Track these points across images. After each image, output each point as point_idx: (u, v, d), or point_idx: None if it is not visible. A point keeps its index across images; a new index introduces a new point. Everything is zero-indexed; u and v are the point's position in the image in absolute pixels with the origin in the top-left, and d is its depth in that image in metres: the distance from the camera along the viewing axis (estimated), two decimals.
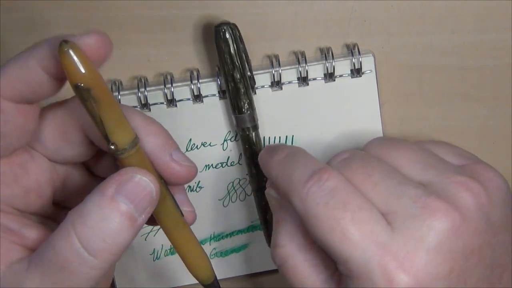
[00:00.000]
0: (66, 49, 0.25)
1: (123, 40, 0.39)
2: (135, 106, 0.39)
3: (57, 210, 0.32)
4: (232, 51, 0.36)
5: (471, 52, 0.40)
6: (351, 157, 0.32)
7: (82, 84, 0.25)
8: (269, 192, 0.33)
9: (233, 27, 0.36)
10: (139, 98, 0.39)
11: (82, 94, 0.26)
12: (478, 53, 0.40)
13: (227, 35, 0.36)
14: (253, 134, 0.38)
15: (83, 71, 0.25)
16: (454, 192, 0.30)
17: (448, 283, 0.29)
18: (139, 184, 0.28)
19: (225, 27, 0.36)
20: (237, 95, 0.37)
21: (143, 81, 0.39)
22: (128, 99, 0.39)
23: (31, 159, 0.30)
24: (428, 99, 0.40)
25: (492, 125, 0.41)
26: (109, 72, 0.40)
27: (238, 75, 0.37)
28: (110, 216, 0.27)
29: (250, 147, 0.38)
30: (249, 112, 0.38)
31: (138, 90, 0.38)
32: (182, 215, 0.31)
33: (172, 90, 0.39)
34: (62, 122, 0.30)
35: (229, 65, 0.37)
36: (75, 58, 0.25)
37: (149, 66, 0.40)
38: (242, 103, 0.37)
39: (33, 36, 0.39)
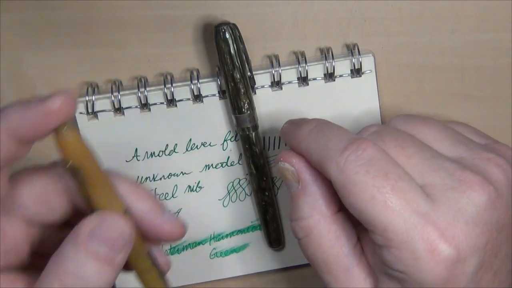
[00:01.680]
0: (64, 131, 0.26)
1: (123, 40, 0.39)
2: (135, 106, 0.39)
3: (35, 257, 0.31)
4: (232, 51, 0.36)
5: (471, 52, 0.40)
6: (382, 130, 0.32)
7: (75, 164, 0.27)
8: (283, 165, 0.33)
9: (233, 27, 0.36)
10: (139, 98, 0.39)
11: (74, 172, 0.27)
12: (478, 53, 0.40)
13: (227, 35, 0.36)
14: (253, 134, 0.38)
15: (77, 152, 0.27)
16: (485, 168, 0.30)
17: (484, 255, 0.29)
18: (113, 225, 0.28)
19: (225, 27, 0.36)
20: (237, 95, 0.37)
21: (143, 81, 0.39)
22: (128, 99, 0.39)
23: (8, 221, 0.29)
24: (428, 99, 0.40)
25: (492, 125, 0.41)
26: (109, 72, 0.40)
27: (238, 75, 0.37)
28: (87, 261, 0.27)
29: (250, 147, 0.38)
30: (249, 112, 0.38)
31: (138, 90, 0.38)
32: (158, 268, 0.31)
33: (172, 90, 0.39)
34: (44, 188, 0.30)
35: (229, 65, 0.37)
36: (71, 140, 0.26)
37: (149, 66, 0.40)
38: (242, 103, 0.37)
39: (33, 36, 0.39)
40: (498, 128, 0.41)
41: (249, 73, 0.38)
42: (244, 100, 0.37)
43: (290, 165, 0.33)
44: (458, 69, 0.40)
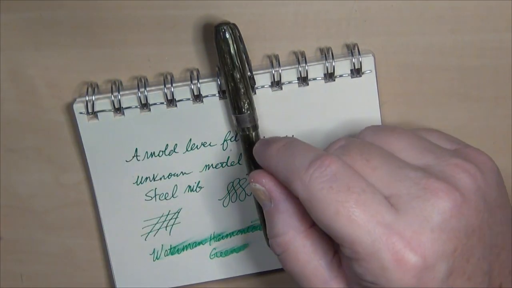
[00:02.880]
0: None
1: (123, 40, 0.39)
2: (135, 106, 0.39)
3: None
4: (232, 51, 0.36)
5: (471, 52, 0.40)
6: (348, 144, 0.32)
7: None
8: (255, 186, 0.34)
9: (233, 27, 0.36)
10: (139, 98, 0.39)
11: None
12: (478, 53, 0.40)
13: (227, 35, 0.36)
14: (253, 134, 0.38)
15: None
16: (452, 174, 0.31)
17: (453, 261, 0.30)
18: None
19: (225, 27, 0.36)
20: (237, 95, 0.37)
21: (143, 81, 0.39)
22: (128, 99, 0.39)
23: None
24: (428, 99, 0.40)
25: (492, 125, 0.41)
26: (109, 72, 0.40)
27: (238, 75, 0.37)
28: None
29: (250, 147, 0.38)
30: (249, 112, 0.38)
31: (138, 90, 0.38)
32: None
33: (172, 90, 0.39)
34: None
35: (229, 65, 0.37)
36: None
37: (149, 66, 0.40)
38: (242, 103, 0.37)
39: (33, 36, 0.39)
40: (498, 128, 0.41)
41: (249, 73, 0.38)
42: (244, 100, 0.37)
43: (260, 185, 0.33)
44: (458, 69, 0.40)
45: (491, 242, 0.31)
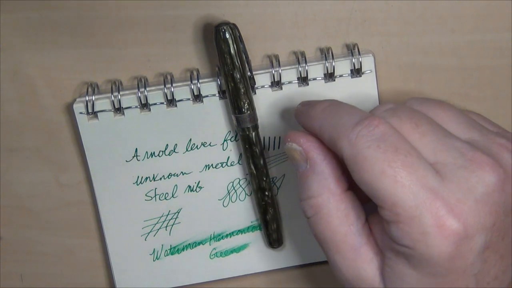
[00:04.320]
0: None
1: (123, 40, 0.39)
2: (135, 106, 0.39)
3: None
4: (232, 51, 0.36)
5: (471, 52, 0.40)
6: (397, 108, 0.32)
7: None
8: (291, 146, 0.33)
9: (233, 27, 0.36)
10: (139, 98, 0.39)
11: None
12: (478, 53, 0.40)
13: (227, 35, 0.36)
14: (253, 134, 0.38)
15: None
16: (497, 152, 0.31)
17: (491, 235, 0.30)
18: None
19: (225, 27, 0.36)
20: (237, 95, 0.37)
21: (143, 81, 0.39)
22: (128, 99, 0.39)
23: None
24: None
25: None
26: (109, 72, 0.40)
27: (238, 75, 0.37)
28: None
29: (250, 147, 0.38)
30: (249, 112, 0.38)
31: (138, 90, 0.38)
32: None
33: (172, 90, 0.39)
34: None
35: (229, 65, 0.37)
36: None
37: (149, 66, 0.40)
38: (242, 103, 0.37)
39: (33, 36, 0.39)
40: None
41: (249, 73, 0.38)
42: (244, 100, 0.37)
43: (297, 145, 0.33)
44: (458, 69, 0.40)
45: None
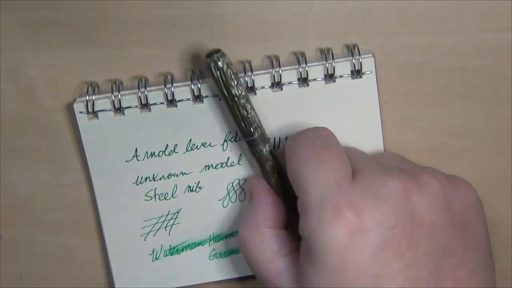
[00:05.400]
0: None
1: (123, 40, 0.39)
2: (136, 106, 0.39)
3: None
4: (230, 82, 0.36)
5: (471, 52, 0.40)
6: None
7: None
8: (247, 183, 0.39)
9: (222, 54, 0.36)
10: (139, 98, 0.39)
11: None
12: (478, 53, 0.40)
13: (220, 64, 0.35)
14: (267, 149, 0.38)
15: None
16: (421, 175, 0.33)
17: (389, 236, 0.31)
18: None
19: (216, 57, 0.35)
20: (245, 121, 0.37)
21: (143, 81, 0.39)
22: (128, 99, 0.39)
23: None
24: (428, 99, 0.40)
25: (492, 125, 0.41)
26: (109, 72, 0.40)
27: (242, 101, 0.36)
28: None
29: (267, 163, 0.38)
30: (258, 132, 0.37)
31: (139, 90, 0.39)
32: None
33: (173, 90, 0.39)
34: None
35: (231, 95, 0.36)
36: None
37: (149, 66, 0.40)
38: (252, 127, 0.37)
39: (33, 36, 0.39)
40: (498, 128, 0.41)
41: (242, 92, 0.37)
42: (252, 123, 0.37)
43: (249, 184, 0.39)
44: (458, 69, 0.40)
45: (446, 247, 0.32)
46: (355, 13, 0.39)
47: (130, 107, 0.39)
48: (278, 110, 0.39)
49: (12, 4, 0.38)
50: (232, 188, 0.41)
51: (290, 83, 0.39)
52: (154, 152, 0.40)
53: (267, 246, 0.36)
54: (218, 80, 0.36)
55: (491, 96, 0.40)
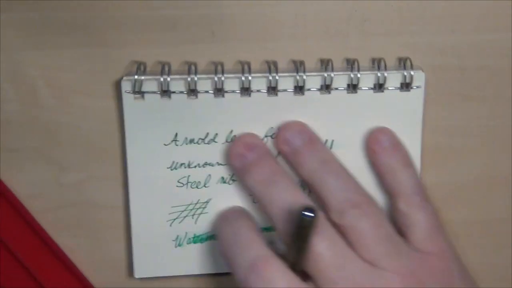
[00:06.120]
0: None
1: (123, 40, 0.39)
2: (183, 91, 0.38)
3: None
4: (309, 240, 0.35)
5: (471, 52, 0.40)
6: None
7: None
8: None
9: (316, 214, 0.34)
10: (188, 84, 0.38)
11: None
12: (478, 53, 0.40)
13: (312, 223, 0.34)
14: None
15: None
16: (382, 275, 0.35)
17: None
18: None
19: (314, 214, 0.34)
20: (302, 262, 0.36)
21: (193, 67, 0.38)
22: (176, 84, 0.38)
23: None
24: (428, 99, 0.40)
25: (492, 125, 0.41)
26: (109, 72, 0.40)
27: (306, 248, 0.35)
28: None
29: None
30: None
31: (189, 75, 0.38)
32: None
33: (223, 79, 0.38)
34: None
35: (301, 249, 0.35)
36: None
37: (150, 67, 0.40)
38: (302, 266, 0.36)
39: (33, 36, 0.39)
40: (498, 128, 0.41)
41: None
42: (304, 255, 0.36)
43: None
44: (458, 69, 0.40)
45: None
46: (355, 13, 0.39)
47: (177, 91, 0.38)
48: (326, 112, 0.39)
49: (12, 4, 0.38)
50: None
51: (339, 88, 0.39)
52: (193, 139, 0.40)
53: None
54: (297, 234, 0.35)
55: (491, 96, 0.40)
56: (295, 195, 0.37)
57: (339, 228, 0.36)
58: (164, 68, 0.39)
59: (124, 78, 0.39)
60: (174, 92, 0.39)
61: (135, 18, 0.39)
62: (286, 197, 0.36)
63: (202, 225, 0.41)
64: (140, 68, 0.39)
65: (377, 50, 0.39)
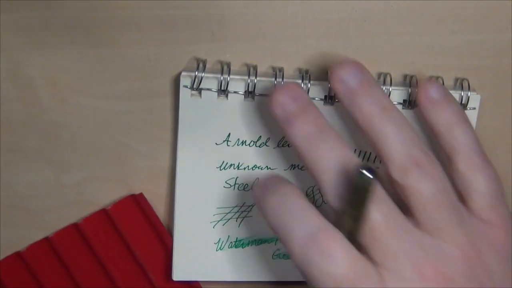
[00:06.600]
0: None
1: (123, 40, 0.39)
2: (240, 92, 0.38)
3: None
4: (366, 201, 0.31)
5: (471, 52, 0.40)
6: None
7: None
8: None
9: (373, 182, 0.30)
10: (247, 85, 0.38)
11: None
12: (478, 53, 0.40)
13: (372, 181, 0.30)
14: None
15: None
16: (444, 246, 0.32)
17: None
18: None
19: (374, 171, 0.30)
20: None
21: (253, 69, 0.38)
22: (235, 84, 0.38)
23: None
24: None
25: (492, 125, 0.41)
26: (109, 72, 0.40)
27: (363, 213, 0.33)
28: None
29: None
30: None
31: (249, 77, 0.38)
32: None
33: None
34: None
35: (357, 210, 0.32)
36: None
37: (151, 66, 0.40)
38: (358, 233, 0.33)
39: (33, 36, 0.39)
40: (498, 128, 0.41)
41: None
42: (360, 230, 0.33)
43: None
44: (458, 69, 0.40)
45: None
46: (355, 13, 0.39)
47: (234, 92, 0.38)
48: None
49: (12, 4, 0.38)
50: (311, 193, 0.40)
51: (398, 103, 0.39)
52: (245, 141, 0.39)
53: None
54: (353, 192, 0.31)
55: (491, 96, 0.40)
56: (347, 153, 0.33)
57: (397, 186, 0.33)
58: (224, 67, 0.38)
59: (183, 73, 0.38)
60: (232, 92, 0.38)
61: (135, 18, 0.39)
62: (337, 155, 0.32)
63: (245, 229, 0.41)
64: (200, 65, 0.38)
65: (377, 50, 0.39)
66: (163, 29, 0.39)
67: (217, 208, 0.40)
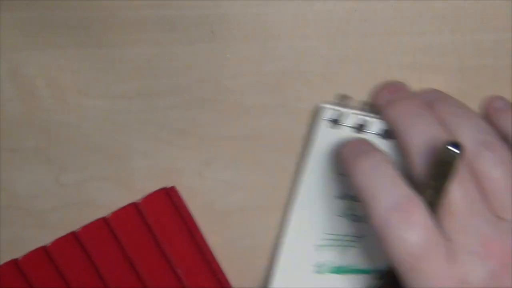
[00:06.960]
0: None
1: (123, 40, 0.39)
2: (377, 133, 0.38)
3: None
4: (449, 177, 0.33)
5: (471, 52, 0.40)
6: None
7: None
8: None
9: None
10: (383, 129, 0.38)
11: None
12: (478, 53, 0.40)
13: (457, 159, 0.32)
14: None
15: None
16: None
17: None
18: None
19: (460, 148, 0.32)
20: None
21: (367, 106, 0.39)
22: (371, 123, 0.38)
23: None
24: None
25: None
26: (109, 72, 0.40)
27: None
28: None
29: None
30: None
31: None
32: None
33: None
34: None
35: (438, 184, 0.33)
36: None
37: (151, 67, 0.40)
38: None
39: (33, 36, 0.39)
40: None
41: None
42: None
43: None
44: (458, 69, 0.40)
45: None
46: (355, 13, 0.39)
47: (371, 132, 0.38)
48: None
49: (12, 4, 0.38)
50: None
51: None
52: None
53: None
54: (436, 168, 0.33)
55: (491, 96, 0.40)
56: (441, 130, 0.35)
57: (470, 169, 0.34)
58: (364, 107, 0.39)
59: (326, 105, 0.39)
60: (368, 132, 0.38)
61: (135, 18, 0.39)
62: (431, 130, 0.35)
63: (347, 257, 0.41)
64: (345, 100, 0.39)
65: (377, 50, 0.39)
66: (163, 29, 0.39)
67: (326, 233, 0.41)
